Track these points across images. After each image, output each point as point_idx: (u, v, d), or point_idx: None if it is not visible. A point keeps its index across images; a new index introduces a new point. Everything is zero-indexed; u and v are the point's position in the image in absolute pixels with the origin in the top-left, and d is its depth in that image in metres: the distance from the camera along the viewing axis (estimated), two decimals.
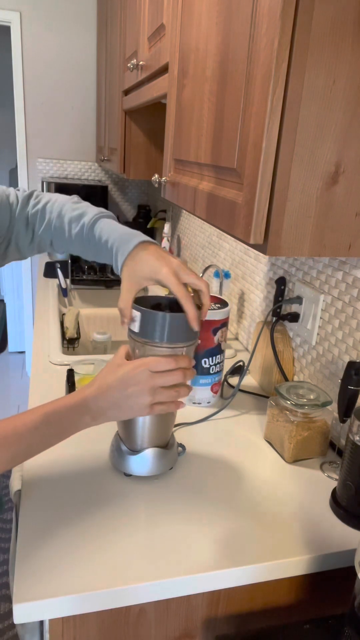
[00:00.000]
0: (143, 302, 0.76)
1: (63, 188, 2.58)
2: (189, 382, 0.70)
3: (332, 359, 1.04)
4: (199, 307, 0.70)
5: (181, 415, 1.12)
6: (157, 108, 1.74)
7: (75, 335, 1.57)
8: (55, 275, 2.07)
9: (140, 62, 1.36)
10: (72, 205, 0.86)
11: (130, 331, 0.73)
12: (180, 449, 0.96)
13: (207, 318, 1.09)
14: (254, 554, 0.74)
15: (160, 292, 1.85)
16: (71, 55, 2.68)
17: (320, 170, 0.61)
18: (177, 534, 0.77)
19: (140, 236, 0.78)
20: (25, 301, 3.16)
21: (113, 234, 0.79)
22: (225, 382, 1.28)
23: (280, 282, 1.22)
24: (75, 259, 2.17)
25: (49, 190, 2.61)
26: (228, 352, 1.43)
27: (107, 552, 0.73)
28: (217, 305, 1.13)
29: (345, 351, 1.00)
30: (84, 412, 0.66)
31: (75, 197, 0.89)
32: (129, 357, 0.72)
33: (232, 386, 1.27)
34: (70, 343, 1.55)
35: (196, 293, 0.74)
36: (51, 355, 1.32)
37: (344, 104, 0.59)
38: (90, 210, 0.84)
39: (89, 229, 0.82)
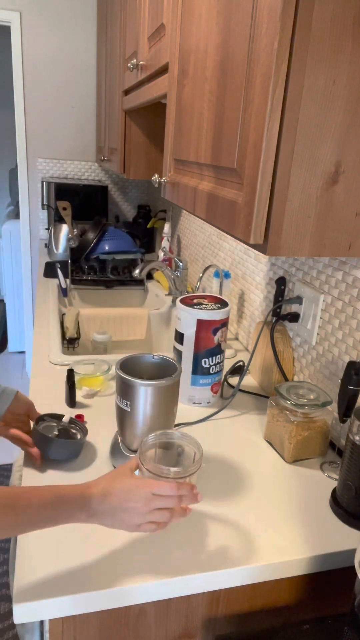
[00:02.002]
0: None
1: (63, 188, 2.58)
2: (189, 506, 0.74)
3: (332, 359, 1.04)
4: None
5: (181, 416, 1.12)
6: (157, 108, 1.74)
7: (75, 335, 1.57)
8: (55, 275, 2.07)
9: (140, 62, 1.36)
10: None
11: (142, 462, 0.76)
12: (180, 449, 0.96)
13: (207, 318, 1.09)
14: (254, 554, 0.74)
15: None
16: (71, 55, 2.68)
17: (320, 170, 0.61)
18: (177, 533, 0.77)
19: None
20: (25, 301, 3.16)
21: None
22: (225, 382, 1.28)
23: (280, 282, 1.22)
24: (75, 259, 2.17)
25: (49, 190, 2.62)
26: (228, 352, 1.43)
27: (107, 552, 0.73)
28: (217, 305, 1.13)
29: (345, 351, 1.00)
30: (84, 508, 0.67)
31: None
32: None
33: (232, 386, 1.27)
34: (70, 343, 1.55)
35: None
36: (51, 355, 1.32)
37: (344, 104, 0.59)
38: None
39: None
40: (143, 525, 0.69)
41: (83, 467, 0.91)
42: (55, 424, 0.97)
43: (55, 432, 0.95)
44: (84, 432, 0.96)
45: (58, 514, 0.65)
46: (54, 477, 0.87)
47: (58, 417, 0.99)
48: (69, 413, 1.08)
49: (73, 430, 0.96)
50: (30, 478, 0.87)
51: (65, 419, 0.98)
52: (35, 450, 0.90)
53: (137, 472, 0.75)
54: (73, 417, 0.99)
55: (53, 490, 0.67)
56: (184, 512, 0.71)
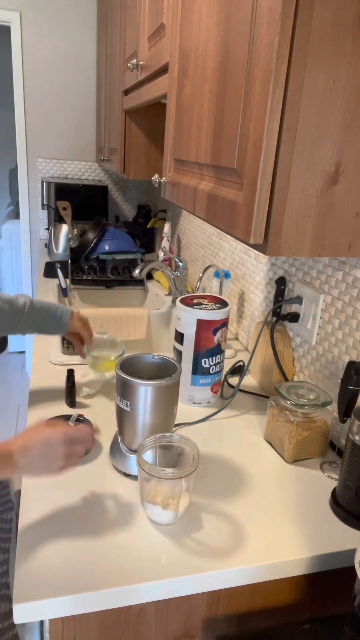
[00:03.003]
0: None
1: (63, 188, 2.58)
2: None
3: (332, 359, 1.04)
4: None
5: (181, 415, 1.12)
6: (157, 108, 1.74)
7: None
8: (55, 275, 2.07)
9: (140, 62, 1.36)
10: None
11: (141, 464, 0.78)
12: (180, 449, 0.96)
13: (207, 318, 1.09)
14: (254, 554, 0.74)
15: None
16: (71, 55, 2.68)
17: (320, 170, 0.61)
18: (177, 533, 0.77)
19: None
20: None
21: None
22: (225, 382, 1.28)
23: (280, 282, 1.22)
24: (75, 259, 2.17)
25: (49, 190, 2.62)
26: (228, 352, 1.43)
27: (107, 552, 0.73)
28: (217, 305, 1.13)
29: (345, 351, 1.00)
30: (7, 464, 0.72)
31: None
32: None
33: (232, 386, 1.27)
34: (70, 343, 1.55)
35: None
36: (51, 355, 1.32)
37: (344, 104, 0.59)
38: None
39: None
40: (65, 466, 0.76)
41: (82, 467, 0.91)
42: None
43: None
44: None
45: None
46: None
47: (65, 418, 0.99)
48: (72, 413, 1.08)
49: None
50: (31, 478, 0.87)
51: (72, 420, 0.99)
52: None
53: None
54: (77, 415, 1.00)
55: None
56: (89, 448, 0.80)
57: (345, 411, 0.89)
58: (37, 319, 1.11)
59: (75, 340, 1.20)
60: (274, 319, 1.20)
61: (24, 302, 1.10)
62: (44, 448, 0.74)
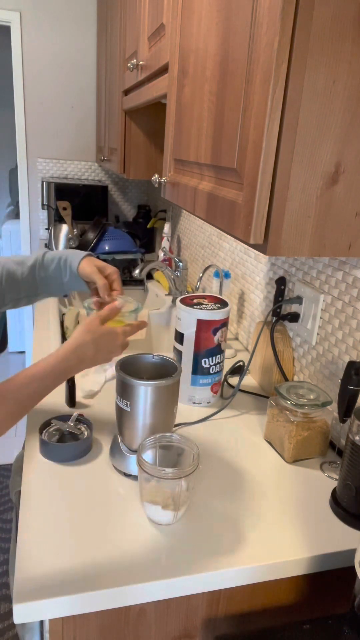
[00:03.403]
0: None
1: (63, 188, 2.57)
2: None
3: (332, 359, 1.04)
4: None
5: (181, 415, 1.12)
6: (157, 108, 1.74)
7: None
8: None
9: (140, 62, 1.36)
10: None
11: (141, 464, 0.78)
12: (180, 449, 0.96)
13: (207, 318, 1.09)
14: (254, 554, 0.74)
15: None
16: (71, 55, 2.68)
17: (320, 170, 0.61)
18: (176, 533, 0.77)
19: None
20: None
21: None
22: (225, 382, 1.28)
23: (280, 282, 1.21)
24: None
25: (49, 190, 2.61)
26: (228, 352, 1.43)
27: (107, 552, 0.73)
28: (217, 305, 1.13)
29: (345, 351, 1.00)
30: (68, 373, 0.82)
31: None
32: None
33: (232, 386, 1.27)
34: None
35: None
36: None
37: (344, 104, 0.59)
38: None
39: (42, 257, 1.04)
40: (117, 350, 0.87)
41: (82, 467, 0.91)
42: (61, 426, 0.97)
43: (65, 433, 0.96)
44: (91, 427, 0.98)
45: (54, 378, 0.80)
46: (54, 477, 0.87)
47: (64, 418, 0.99)
48: (72, 413, 1.08)
49: (82, 429, 0.98)
50: (31, 478, 0.87)
51: (72, 420, 0.99)
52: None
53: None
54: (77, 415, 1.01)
55: (32, 373, 0.79)
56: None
57: (345, 411, 0.89)
58: (48, 274, 1.01)
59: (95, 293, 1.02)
60: (274, 319, 1.20)
61: (34, 260, 1.01)
62: (104, 354, 0.86)
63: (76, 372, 0.83)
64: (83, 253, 0.99)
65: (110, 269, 0.99)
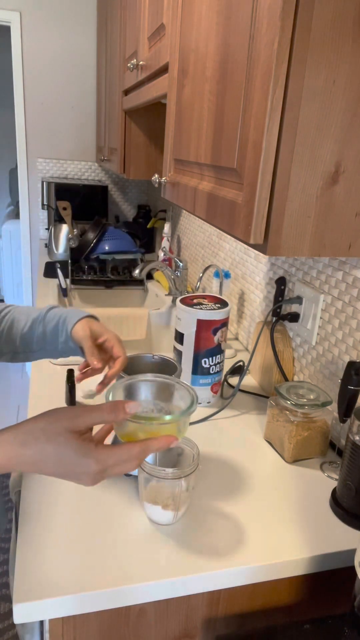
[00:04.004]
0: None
1: (63, 188, 2.58)
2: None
3: (332, 359, 1.04)
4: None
5: None
6: (157, 108, 1.74)
7: None
8: (55, 275, 2.07)
9: (140, 62, 1.36)
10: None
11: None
12: (180, 449, 0.96)
13: (207, 318, 1.09)
14: (254, 554, 0.74)
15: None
16: (71, 55, 2.68)
17: (320, 170, 0.61)
18: (176, 533, 0.77)
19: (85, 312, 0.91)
20: (25, 301, 3.16)
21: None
22: (225, 382, 1.28)
23: (280, 282, 1.22)
24: (75, 259, 2.17)
25: (49, 190, 2.62)
26: (228, 352, 1.43)
27: (107, 552, 0.73)
28: (217, 305, 1.13)
29: (345, 351, 1.00)
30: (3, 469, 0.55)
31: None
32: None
33: (232, 386, 1.27)
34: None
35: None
36: None
37: (344, 104, 0.59)
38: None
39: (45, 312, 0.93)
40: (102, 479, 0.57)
41: None
42: None
43: None
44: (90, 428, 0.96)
45: None
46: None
47: None
48: None
49: None
50: (31, 478, 0.87)
51: None
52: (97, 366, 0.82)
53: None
54: None
55: None
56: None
57: (345, 411, 0.89)
58: (46, 331, 0.90)
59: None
60: (274, 319, 1.20)
61: (38, 314, 0.90)
62: (61, 474, 0.55)
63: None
64: (84, 313, 0.87)
65: (108, 335, 0.85)
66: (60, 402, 1.12)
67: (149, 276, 2.21)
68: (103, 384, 0.87)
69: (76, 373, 0.86)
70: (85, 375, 0.88)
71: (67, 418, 0.57)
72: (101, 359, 0.84)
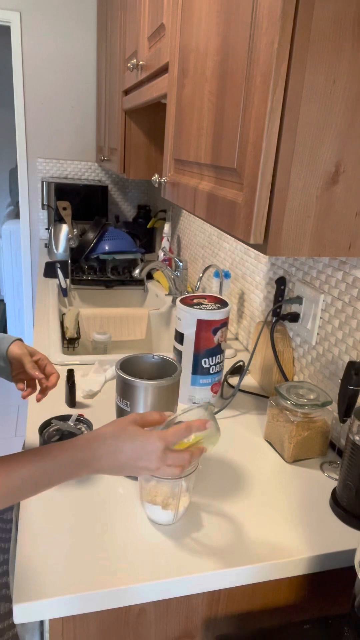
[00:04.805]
0: None
1: (63, 188, 2.58)
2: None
3: (332, 359, 1.04)
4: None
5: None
6: (157, 108, 1.74)
7: (75, 335, 1.57)
8: (55, 275, 2.07)
9: (140, 62, 1.36)
10: None
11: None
12: None
13: (207, 318, 1.09)
14: (254, 554, 0.74)
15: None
16: (71, 55, 2.68)
17: (320, 170, 0.61)
18: (176, 533, 0.77)
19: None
20: (25, 301, 3.16)
21: None
22: (225, 382, 1.28)
23: (280, 282, 1.21)
24: (75, 259, 2.17)
25: (49, 190, 2.62)
26: (228, 352, 1.43)
27: (107, 552, 0.73)
28: (217, 305, 1.13)
29: (345, 351, 1.00)
30: (84, 470, 0.64)
31: None
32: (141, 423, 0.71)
33: (232, 386, 1.27)
34: (70, 343, 1.55)
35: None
36: (51, 355, 1.32)
37: (344, 104, 0.59)
38: None
39: None
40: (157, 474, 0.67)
41: None
42: (61, 426, 0.97)
43: (65, 433, 0.96)
44: (91, 427, 0.98)
45: (52, 477, 0.61)
46: None
47: (65, 418, 0.99)
48: (72, 413, 1.08)
49: (82, 429, 0.98)
50: None
51: (72, 420, 0.99)
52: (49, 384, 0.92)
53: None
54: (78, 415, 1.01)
55: (39, 454, 0.62)
56: (200, 453, 0.69)
57: (345, 411, 0.89)
58: None
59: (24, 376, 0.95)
60: (274, 319, 1.20)
61: None
62: (135, 458, 0.64)
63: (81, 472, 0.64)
64: (13, 338, 0.95)
65: (40, 355, 0.95)
66: (61, 401, 1.12)
67: (149, 276, 2.21)
68: (42, 393, 0.95)
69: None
70: (29, 393, 0.96)
71: (132, 416, 0.69)
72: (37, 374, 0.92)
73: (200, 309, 1.10)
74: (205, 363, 1.13)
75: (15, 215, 3.95)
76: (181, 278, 1.77)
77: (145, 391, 0.84)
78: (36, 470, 0.61)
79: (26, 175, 2.83)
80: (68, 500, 0.82)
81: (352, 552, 0.77)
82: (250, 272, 1.47)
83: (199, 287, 1.66)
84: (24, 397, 0.96)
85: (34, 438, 0.97)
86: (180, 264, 1.74)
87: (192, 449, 0.69)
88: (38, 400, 0.95)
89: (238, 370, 1.33)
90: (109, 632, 0.73)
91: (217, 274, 1.50)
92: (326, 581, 0.80)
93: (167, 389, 0.85)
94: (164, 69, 1.13)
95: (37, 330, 1.51)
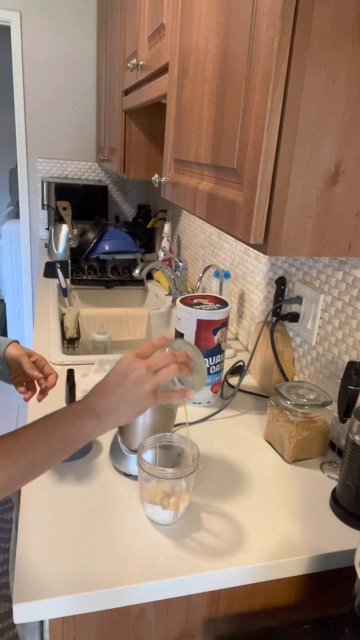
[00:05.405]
0: None
1: (63, 188, 2.58)
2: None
3: (332, 359, 1.04)
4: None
5: (181, 416, 1.12)
6: (157, 108, 1.74)
7: (75, 335, 1.57)
8: (55, 275, 2.07)
9: (140, 62, 1.36)
10: None
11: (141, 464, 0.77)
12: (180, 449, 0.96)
13: (207, 318, 1.09)
14: (254, 554, 0.74)
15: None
16: (71, 55, 2.68)
17: (320, 170, 0.61)
18: (177, 533, 0.77)
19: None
20: (25, 301, 3.16)
21: None
22: (225, 382, 1.28)
23: (280, 282, 1.21)
24: (75, 259, 2.17)
25: (49, 190, 2.61)
26: (228, 352, 1.43)
27: (107, 552, 0.73)
28: (217, 305, 1.13)
29: (345, 351, 1.00)
30: (88, 414, 0.64)
31: None
32: None
33: (232, 386, 1.27)
34: (70, 343, 1.55)
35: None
36: (51, 355, 1.32)
37: (344, 104, 0.59)
38: None
39: None
40: (158, 393, 0.67)
41: (82, 467, 0.91)
42: None
43: None
44: None
45: (60, 436, 0.62)
46: (54, 477, 0.87)
47: None
48: None
49: None
50: None
51: None
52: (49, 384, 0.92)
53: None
54: None
55: (43, 417, 0.65)
56: (190, 368, 0.68)
57: (345, 411, 0.89)
58: None
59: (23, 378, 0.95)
60: (274, 319, 1.20)
61: None
62: (122, 378, 0.65)
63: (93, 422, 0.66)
64: (9, 340, 0.95)
65: (39, 355, 0.95)
66: (61, 401, 1.12)
67: (149, 276, 2.21)
68: (43, 393, 0.95)
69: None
70: (30, 395, 0.96)
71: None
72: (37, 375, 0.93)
73: (200, 309, 1.10)
74: (205, 363, 1.13)
75: (15, 215, 3.95)
76: (181, 278, 1.77)
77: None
78: (41, 425, 0.63)
79: (26, 175, 2.83)
80: (68, 500, 0.82)
81: (352, 552, 0.77)
82: (250, 272, 1.47)
83: (199, 287, 1.66)
84: (26, 400, 0.96)
85: None
86: (180, 264, 1.74)
87: (175, 352, 0.69)
88: (39, 400, 0.95)
89: (238, 370, 1.33)
90: (109, 632, 0.73)
91: (217, 274, 1.50)
92: (326, 581, 0.80)
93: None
94: (164, 69, 1.13)
95: (37, 331, 1.51)
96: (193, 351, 0.73)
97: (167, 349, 0.71)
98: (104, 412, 0.65)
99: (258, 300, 1.41)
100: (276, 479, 0.92)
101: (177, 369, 0.67)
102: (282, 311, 1.24)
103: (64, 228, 2.41)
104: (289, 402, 0.95)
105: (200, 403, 1.17)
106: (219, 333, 1.12)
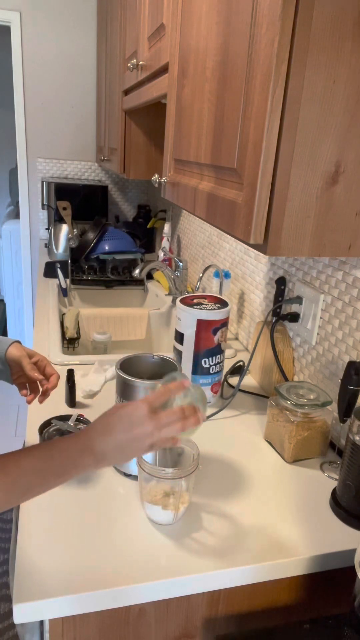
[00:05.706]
0: None
1: (63, 188, 2.57)
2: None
3: (332, 359, 1.04)
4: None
5: None
6: (157, 108, 1.74)
7: (75, 335, 1.57)
8: (55, 275, 2.07)
9: (140, 62, 1.36)
10: None
11: (141, 465, 0.77)
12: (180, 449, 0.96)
13: (207, 318, 1.09)
14: (254, 554, 0.74)
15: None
16: (71, 55, 2.68)
17: (320, 170, 0.61)
18: (176, 533, 0.77)
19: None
20: (25, 301, 3.16)
21: None
22: (225, 382, 1.28)
23: (280, 282, 1.21)
24: (75, 259, 2.17)
25: (49, 190, 2.61)
26: (228, 352, 1.43)
27: (108, 552, 0.73)
28: (217, 305, 1.13)
29: (345, 351, 1.00)
30: (87, 454, 0.65)
31: None
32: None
33: (232, 386, 1.27)
34: (70, 343, 1.55)
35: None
36: (51, 355, 1.32)
37: (344, 104, 0.59)
38: None
39: None
40: (157, 443, 0.67)
41: None
42: (61, 426, 0.97)
43: (65, 433, 0.96)
44: None
45: (58, 466, 0.63)
46: None
47: (65, 418, 0.99)
48: (72, 413, 1.08)
49: (82, 429, 0.98)
50: None
51: (72, 420, 0.99)
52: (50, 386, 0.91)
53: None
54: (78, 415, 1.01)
55: (41, 445, 0.64)
56: (197, 420, 0.68)
57: (345, 411, 0.89)
58: None
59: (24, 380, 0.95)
60: (274, 319, 1.20)
61: None
62: (128, 427, 0.65)
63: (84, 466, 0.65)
64: (11, 340, 0.94)
65: (40, 355, 0.94)
66: (61, 401, 1.12)
67: (149, 276, 2.21)
68: (44, 394, 0.93)
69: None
70: (32, 397, 0.95)
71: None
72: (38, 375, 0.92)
73: (200, 309, 1.10)
74: (205, 363, 1.13)
75: (15, 215, 3.95)
76: (181, 278, 1.77)
77: (145, 391, 0.84)
78: (38, 460, 0.62)
79: (26, 175, 2.83)
80: (68, 500, 0.82)
81: (352, 552, 0.77)
82: (250, 272, 1.47)
83: (199, 287, 1.66)
84: (29, 402, 0.95)
85: (34, 438, 0.97)
86: (180, 264, 1.74)
87: (184, 406, 0.68)
88: (40, 401, 0.94)
89: (238, 370, 1.33)
90: (109, 632, 0.73)
91: (217, 274, 1.50)
92: (326, 581, 0.80)
93: None
94: (163, 69, 1.13)
95: (37, 331, 1.51)
96: (201, 403, 0.73)
97: (177, 398, 0.70)
98: (101, 454, 0.65)
99: (258, 300, 1.41)
100: (276, 479, 0.92)
101: (181, 429, 0.67)
102: (282, 311, 1.24)
103: (64, 228, 2.41)
104: (289, 402, 0.95)
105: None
106: (219, 333, 1.12)
